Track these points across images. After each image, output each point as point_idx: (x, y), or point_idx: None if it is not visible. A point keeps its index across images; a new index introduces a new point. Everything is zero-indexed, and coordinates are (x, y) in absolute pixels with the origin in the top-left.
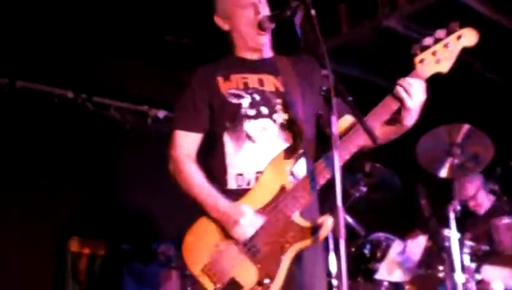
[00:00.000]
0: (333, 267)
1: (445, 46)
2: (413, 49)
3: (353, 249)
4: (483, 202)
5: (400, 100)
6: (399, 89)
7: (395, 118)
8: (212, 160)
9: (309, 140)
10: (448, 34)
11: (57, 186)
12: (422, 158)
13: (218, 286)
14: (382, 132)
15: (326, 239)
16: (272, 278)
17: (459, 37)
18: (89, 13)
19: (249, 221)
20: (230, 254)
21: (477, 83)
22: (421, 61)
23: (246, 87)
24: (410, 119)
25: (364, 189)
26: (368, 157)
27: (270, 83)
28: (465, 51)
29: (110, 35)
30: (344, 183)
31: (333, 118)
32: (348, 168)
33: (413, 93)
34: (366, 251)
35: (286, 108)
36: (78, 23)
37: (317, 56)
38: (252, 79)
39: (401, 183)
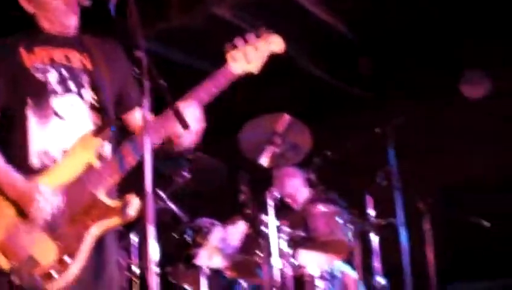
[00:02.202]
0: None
1: (256, 48)
2: (226, 47)
3: (175, 235)
4: (301, 198)
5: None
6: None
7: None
8: (10, 137)
9: (114, 121)
10: (258, 37)
11: None
12: (244, 146)
13: (13, 263)
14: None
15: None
16: (73, 256)
17: (269, 43)
18: None
19: (46, 199)
20: (28, 231)
21: (302, 77)
22: (234, 59)
23: (52, 62)
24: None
25: (187, 175)
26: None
27: (77, 59)
28: (292, 47)
29: None
30: (167, 169)
31: (145, 101)
32: (170, 153)
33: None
34: (188, 237)
35: (93, 87)
36: None
37: (132, 38)
38: (58, 54)
39: (225, 169)
